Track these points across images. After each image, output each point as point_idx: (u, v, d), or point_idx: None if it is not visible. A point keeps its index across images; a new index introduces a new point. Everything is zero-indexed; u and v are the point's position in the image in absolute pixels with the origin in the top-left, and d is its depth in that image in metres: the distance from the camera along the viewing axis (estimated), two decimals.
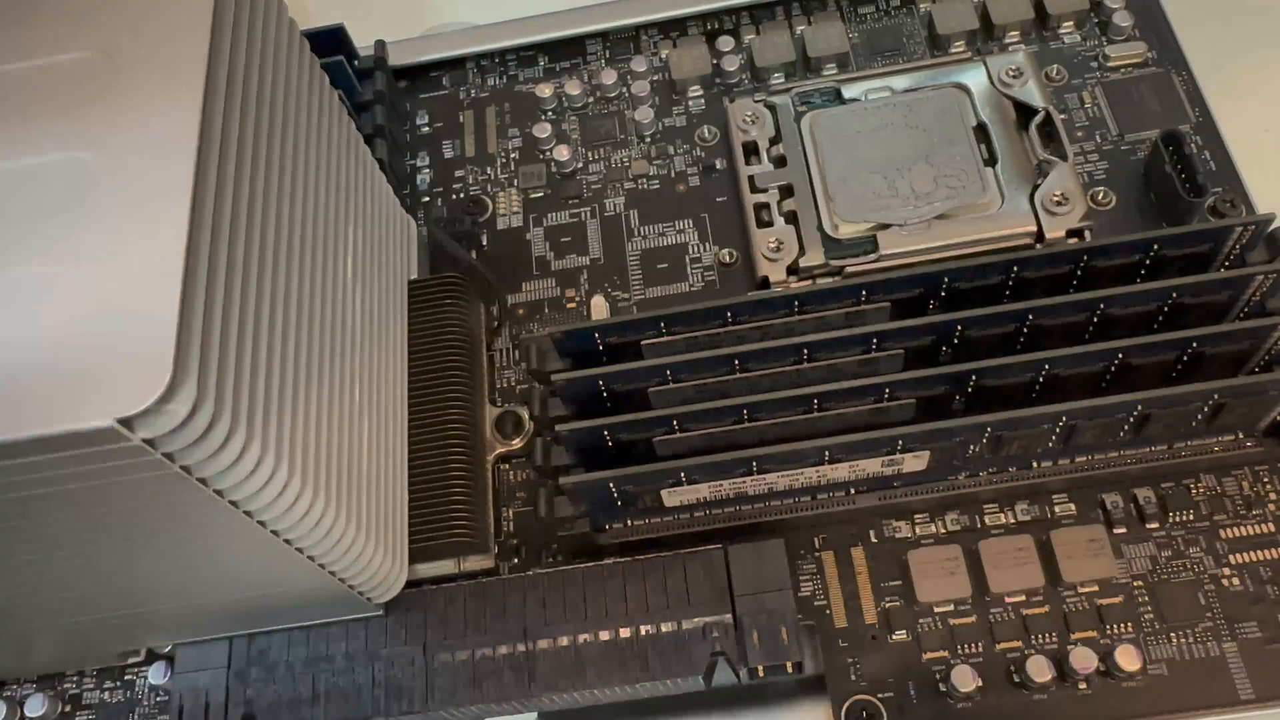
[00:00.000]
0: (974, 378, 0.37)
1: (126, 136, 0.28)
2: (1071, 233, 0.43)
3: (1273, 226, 0.38)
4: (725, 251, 0.48)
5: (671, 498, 0.39)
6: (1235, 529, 0.40)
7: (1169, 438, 0.40)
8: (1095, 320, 0.38)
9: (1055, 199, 0.43)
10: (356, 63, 0.53)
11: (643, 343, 0.39)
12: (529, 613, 0.40)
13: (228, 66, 0.30)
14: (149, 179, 0.27)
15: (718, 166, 0.51)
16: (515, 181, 0.52)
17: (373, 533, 0.37)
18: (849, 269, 0.44)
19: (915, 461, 0.39)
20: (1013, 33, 0.52)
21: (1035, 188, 0.44)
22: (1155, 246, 0.38)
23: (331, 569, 0.36)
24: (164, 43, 0.29)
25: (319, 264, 0.36)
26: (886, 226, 0.44)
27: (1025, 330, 0.38)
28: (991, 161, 0.45)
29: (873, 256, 0.44)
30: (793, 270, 0.44)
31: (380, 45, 0.54)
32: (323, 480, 0.33)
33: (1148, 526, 0.40)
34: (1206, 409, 0.38)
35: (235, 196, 0.30)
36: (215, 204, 0.28)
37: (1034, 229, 0.43)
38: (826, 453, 0.37)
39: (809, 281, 0.44)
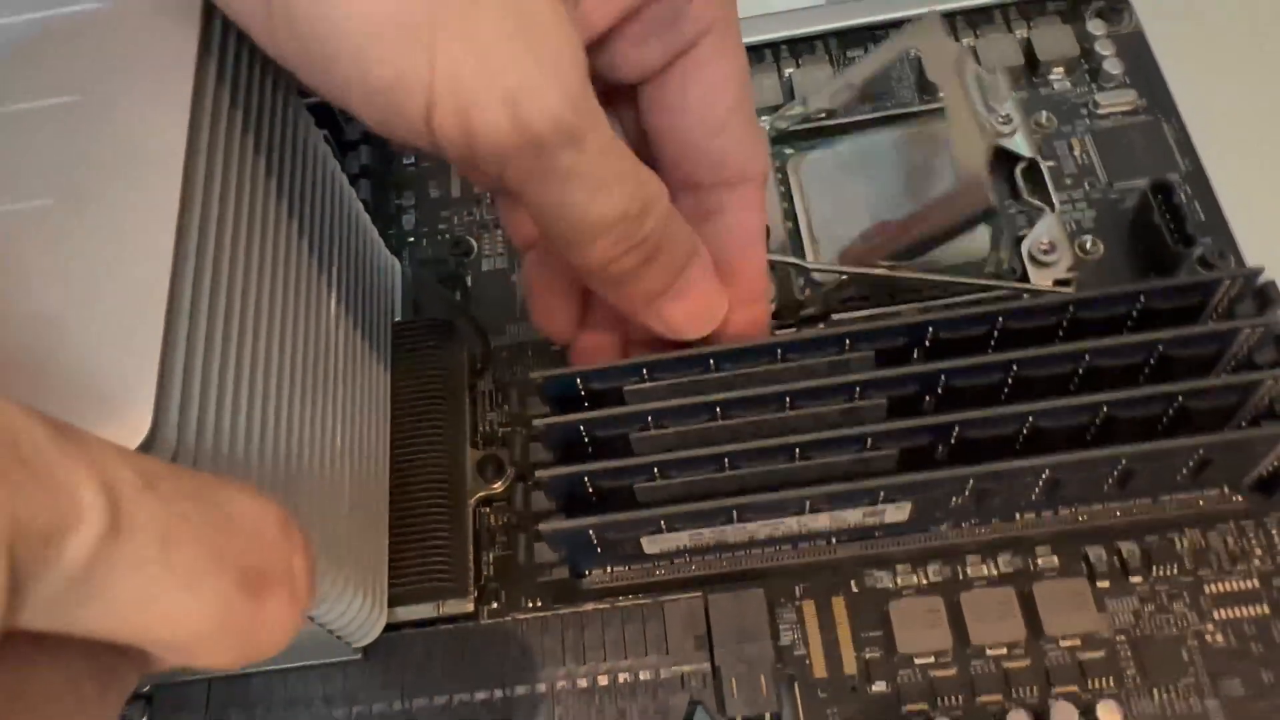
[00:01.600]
0: (957, 429, 0.37)
1: (108, 179, 0.28)
2: (1058, 282, 0.43)
3: (1261, 280, 0.38)
4: None
5: (652, 545, 0.39)
6: (1219, 584, 0.39)
7: (1154, 491, 0.40)
8: (1081, 372, 0.38)
9: (1042, 248, 0.43)
10: None
11: (625, 388, 0.39)
12: (508, 659, 0.40)
13: (211, 107, 0.30)
14: (131, 220, 0.27)
15: None
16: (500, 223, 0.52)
17: (353, 577, 0.36)
18: (833, 316, 0.44)
19: (897, 512, 0.38)
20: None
21: (1021, 237, 0.44)
22: (1143, 298, 0.38)
23: (310, 614, 0.35)
24: (148, 83, 0.29)
25: (302, 307, 0.35)
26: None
27: (1010, 381, 0.38)
28: None
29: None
30: (776, 316, 0.44)
31: None
32: (304, 524, 0.33)
33: (1131, 580, 0.40)
34: (1192, 463, 0.37)
35: (218, 238, 0.30)
36: (198, 245, 0.28)
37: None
38: (807, 502, 0.37)
39: (793, 329, 0.44)
